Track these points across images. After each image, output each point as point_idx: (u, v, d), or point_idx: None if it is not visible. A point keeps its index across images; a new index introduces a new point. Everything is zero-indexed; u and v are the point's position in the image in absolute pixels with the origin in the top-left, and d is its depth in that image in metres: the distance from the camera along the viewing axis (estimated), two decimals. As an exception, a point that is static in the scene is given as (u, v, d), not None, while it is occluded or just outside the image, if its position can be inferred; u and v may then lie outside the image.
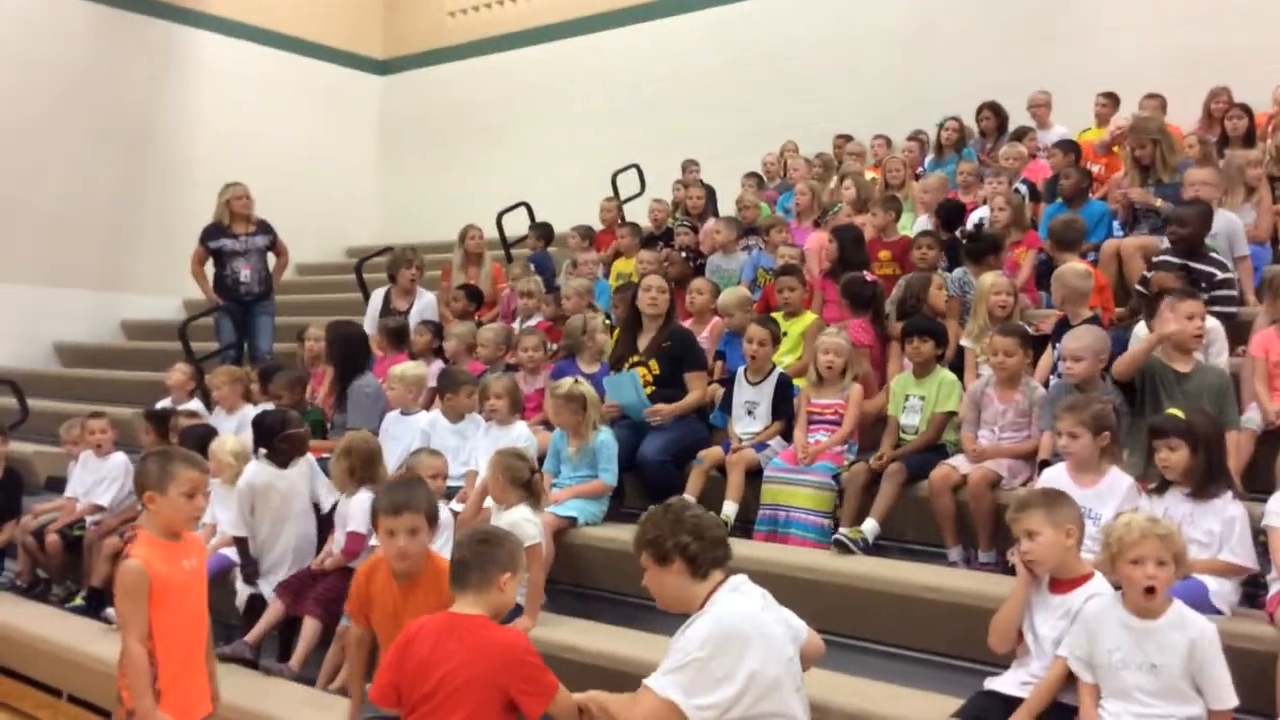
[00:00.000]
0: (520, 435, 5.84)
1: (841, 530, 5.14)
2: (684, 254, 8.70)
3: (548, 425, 6.19)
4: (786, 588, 4.86)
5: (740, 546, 5.21)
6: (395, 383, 6.59)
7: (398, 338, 7.73)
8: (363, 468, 5.24)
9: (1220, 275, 5.89)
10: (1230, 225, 6.43)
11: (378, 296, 8.73)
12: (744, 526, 5.50)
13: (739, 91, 12.81)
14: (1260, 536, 3.97)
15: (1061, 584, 3.61)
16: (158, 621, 3.49)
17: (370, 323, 8.29)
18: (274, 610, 5.35)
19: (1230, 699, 3.27)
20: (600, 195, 11.10)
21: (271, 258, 9.37)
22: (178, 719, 3.52)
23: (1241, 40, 9.74)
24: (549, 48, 14.70)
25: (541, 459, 5.74)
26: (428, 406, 6.71)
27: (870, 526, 5.15)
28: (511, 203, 11.80)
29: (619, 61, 13.99)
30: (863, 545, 5.07)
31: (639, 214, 10.84)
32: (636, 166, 12.47)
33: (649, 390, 6.09)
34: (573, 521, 5.46)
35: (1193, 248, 5.95)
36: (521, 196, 12.01)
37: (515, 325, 7.97)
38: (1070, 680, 3.48)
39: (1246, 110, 8.50)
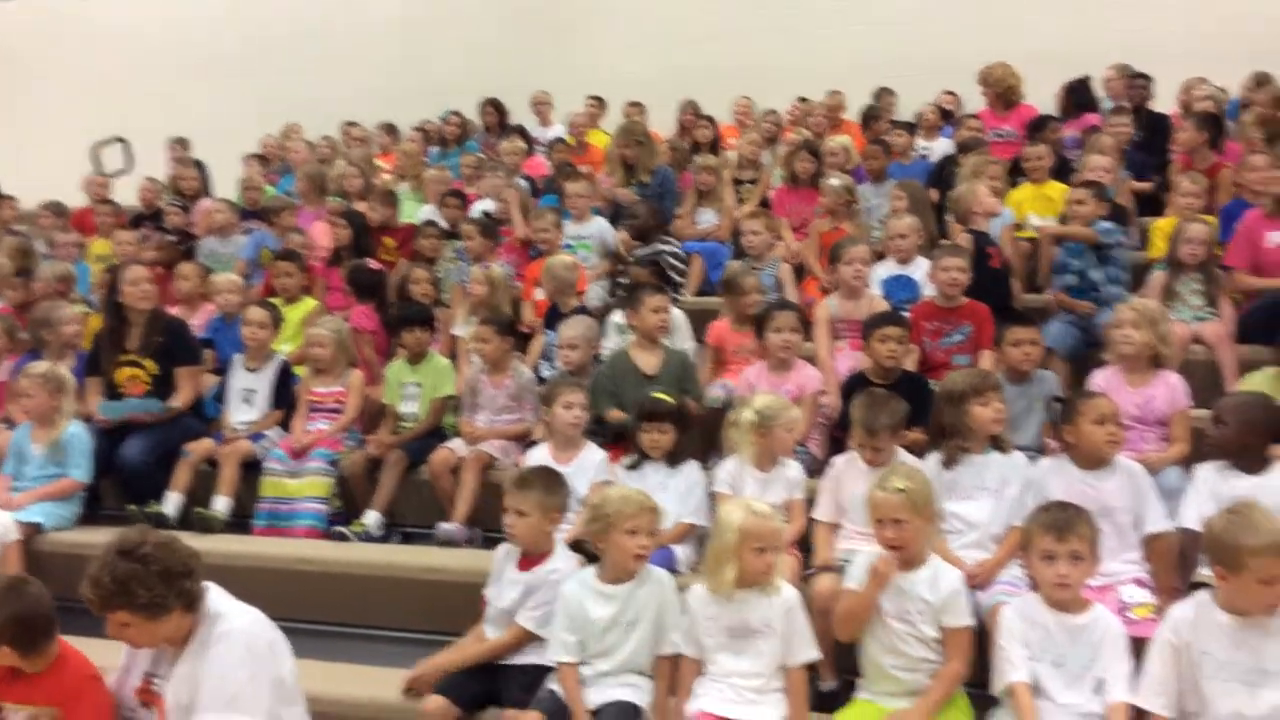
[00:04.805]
0: None
1: (342, 526, 5.13)
2: (173, 236, 8.15)
3: (7, 423, 5.59)
4: (288, 581, 4.79)
5: (236, 543, 5.08)
6: None
7: None
8: None
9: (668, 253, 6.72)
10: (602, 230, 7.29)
11: None
12: (240, 521, 5.30)
13: (241, 70, 12.26)
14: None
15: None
16: None
17: None
18: None
19: (675, 645, 3.59)
20: (82, 171, 10.19)
21: None
22: None
23: (712, 59, 10.91)
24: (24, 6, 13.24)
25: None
26: None
27: (373, 519, 5.17)
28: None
29: (109, 29, 12.90)
30: (364, 537, 5.09)
31: (129, 193, 9.99)
32: (122, 140, 11.53)
33: (145, 390, 5.63)
34: (38, 528, 4.96)
35: (646, 234, 6.86)
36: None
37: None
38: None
39: (711, 121, 9.54)
